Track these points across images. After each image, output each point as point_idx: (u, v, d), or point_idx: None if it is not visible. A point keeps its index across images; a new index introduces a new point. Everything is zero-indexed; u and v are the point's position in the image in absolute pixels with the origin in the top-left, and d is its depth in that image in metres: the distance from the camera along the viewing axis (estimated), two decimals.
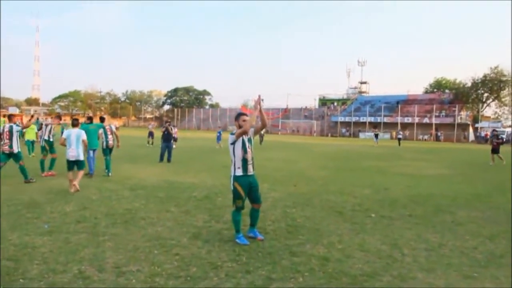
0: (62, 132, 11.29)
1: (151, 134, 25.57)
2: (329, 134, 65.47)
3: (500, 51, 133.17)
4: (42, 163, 10.77)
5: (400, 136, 37.73)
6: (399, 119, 60.29)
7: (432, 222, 6.38)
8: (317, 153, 22.82)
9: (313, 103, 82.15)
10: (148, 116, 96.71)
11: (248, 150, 4.98)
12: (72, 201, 7.17)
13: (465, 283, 3.95)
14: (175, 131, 24.76)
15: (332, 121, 69.33)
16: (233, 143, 5.00)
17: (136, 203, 7.21)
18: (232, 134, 5.05)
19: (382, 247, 4.97)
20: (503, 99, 58.27)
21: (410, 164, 17.22)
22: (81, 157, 8.48)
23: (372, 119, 63.67)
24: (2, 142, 9.21)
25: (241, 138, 4.97)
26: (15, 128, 9.33)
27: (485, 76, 58.18)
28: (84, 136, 8.56)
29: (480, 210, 7.50)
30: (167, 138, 15.48)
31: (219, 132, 25.98)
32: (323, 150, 26.36)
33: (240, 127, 4.98)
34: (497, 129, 22.92)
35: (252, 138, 5.15)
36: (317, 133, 66.95)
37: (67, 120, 16.28)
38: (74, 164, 8.40)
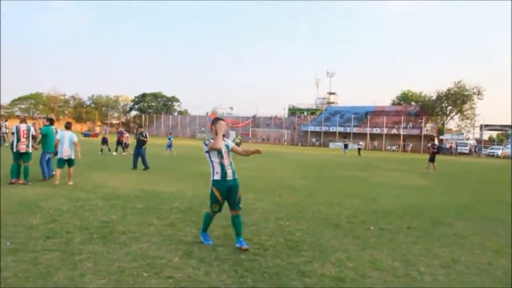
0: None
1: (105, 140, 23.29)
2: (299, 144, 65.70)
3: (464, 66, 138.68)
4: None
5: (360, 146, 38.32)
6: (368, 130, 61.41)
7: (435, 235, 6.06)
8: (291, 162, 22.48)
9: (283, 112, 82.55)
10: (114, 121, 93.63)
11: (225, 155, 4.88)
12: (38, 212, 6.31)
13: None
14: (126, 136, 23.26)
15: (302, 131, 69.70)
16: (208, 152, 4.90)
17: (112, 214, 6.45)
18: (205, 144, 4.88)
19: (395, 264, 4.54)
20: (465, 113, 60.54)
21: (386, 174, 17.16)
22: (73, 156, 9.68)
23: (341, 129, 64.46)
24: (18, 142, 9.52)
25: None
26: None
27: (448, 90, 60.42)
28: (75, 138, 9.76)
29: (474, 221, 7.30)
30: (139, 144, 14.74)
31: (169, 138, 24.00)
32: (296, 159, 26.08)
33: (216, 131, 4.85)
34: (434, 141, 23.86)
35: (229, 144, 5.01)
36: (287, 142, 67.04)
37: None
38: (65, 162, 9.58)
